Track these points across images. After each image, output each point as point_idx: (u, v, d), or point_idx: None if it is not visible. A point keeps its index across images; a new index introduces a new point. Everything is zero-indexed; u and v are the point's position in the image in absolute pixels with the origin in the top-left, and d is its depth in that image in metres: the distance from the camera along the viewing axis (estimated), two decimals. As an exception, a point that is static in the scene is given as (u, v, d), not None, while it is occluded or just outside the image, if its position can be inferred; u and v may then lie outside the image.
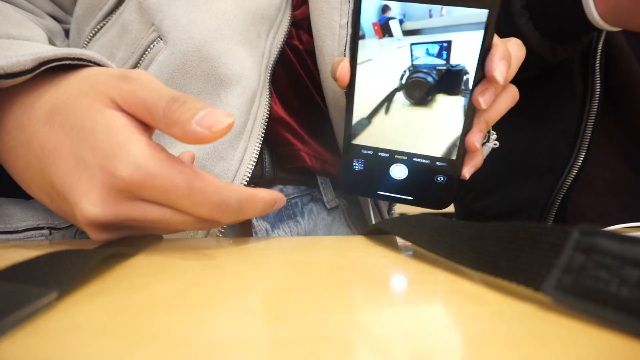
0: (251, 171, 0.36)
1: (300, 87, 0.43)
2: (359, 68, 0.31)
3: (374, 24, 0.29)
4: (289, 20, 0.42)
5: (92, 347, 0.12)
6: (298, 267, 0.21)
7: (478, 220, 0.66)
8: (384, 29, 0.29)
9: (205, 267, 0.21)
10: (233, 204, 0.23)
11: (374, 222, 0.45)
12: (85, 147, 0.22)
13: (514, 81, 0.38)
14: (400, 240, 0.28)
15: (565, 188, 0.55)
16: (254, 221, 0.40)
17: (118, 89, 0.22)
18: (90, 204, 0.21)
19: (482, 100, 0.29)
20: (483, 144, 0.37)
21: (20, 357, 0.11)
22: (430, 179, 0.32)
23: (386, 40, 0.30)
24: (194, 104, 0.21)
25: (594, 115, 0.53)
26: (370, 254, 0.25)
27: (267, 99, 0.39)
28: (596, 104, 0.53)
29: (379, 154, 0.33)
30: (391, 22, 0.29)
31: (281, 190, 0.43)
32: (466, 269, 0.19)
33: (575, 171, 0.54)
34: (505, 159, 0.62)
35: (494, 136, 0.38)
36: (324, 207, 0.47)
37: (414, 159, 0.32)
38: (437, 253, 0.21)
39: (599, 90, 0.52)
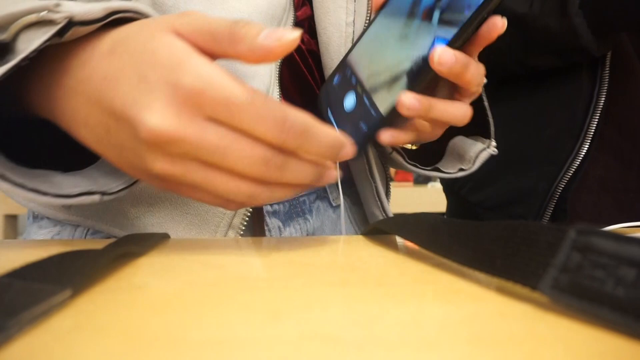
0: None
1: (303, 85, 0.44)
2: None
3: None
4: (292, 20, 0.43)
5: (93, 347, 0.12)
6: (298, 267, 0.21)
7: (475, 212, 0.66)
8: None
9: (206, 266, 0.21)
10: (298, 123, 0.22)
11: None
12: (147, 67, 0.22)
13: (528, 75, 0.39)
14: (400, 240, 0.29)
15: (567, 179, 0.55)
16: (267, 219, 0.41)
17: (179, 20, 0.23)
18: (153, 114, 0.21)
19: (437, 57, 0.28)
20: (482, 150, 0.39)
21: (21, 357, 0.11)
22: (357, 122, 0.33)
23: None
24: (258, 25, 0.22)
25: (600, 109, 0.54)
26: (370, 253, 0.25)
27: (278, 96, 0.40)
28: (603, 97, 0.53)
29: (351, 77, 0.34)
30: None
31: None
32: (466, 268, 0.19)
33: (578, 162, 0.55)
34: (504, 149, 0.62)
35: (493, 143, 0.40)
36: (329, 205, 0.48)
37: (364, 97, 0.33)
38: (434, 252, 0.21)
39: (607, 84, 0.53)
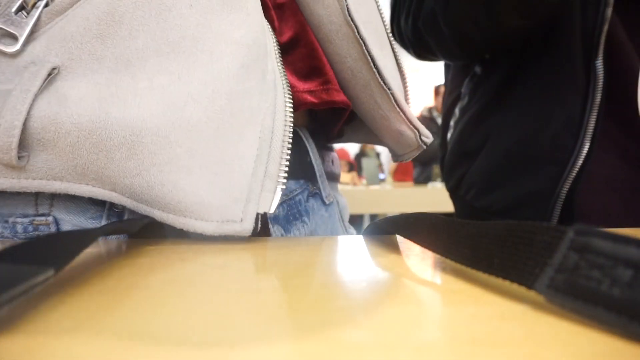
0: (292, 107, 0.33)
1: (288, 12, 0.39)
2: None
3: None
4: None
5: (92, 347, 0.12)
6: (297, 267, 0.22)
7: (482, 217, 0.66)
8: None
9: (205, 267, 0.21)
10: None
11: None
12: None
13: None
14: (400, 240, 0.29)
15: (571, 180, 0.54)
16: (270, 227, 0.38)
17: None
18: None
19: None
20: None
21: (19, 357, 0.11)
22: None
23: None
24: None
25: (597, 106, 0.53)
26: (370, 254, 0.25)
27: (271, 31, 0.35)
28: (599, 94, 0.53)
29: None
30: None
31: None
32: (466, 268, 0.19)
33: (580, 162, 0.54)
34: (506, 152, 0.62)
35: None
36: (322, 203, 0.45)
37: None
38: (434, 250, 0.21)
39: (602, 81, 0.53)
